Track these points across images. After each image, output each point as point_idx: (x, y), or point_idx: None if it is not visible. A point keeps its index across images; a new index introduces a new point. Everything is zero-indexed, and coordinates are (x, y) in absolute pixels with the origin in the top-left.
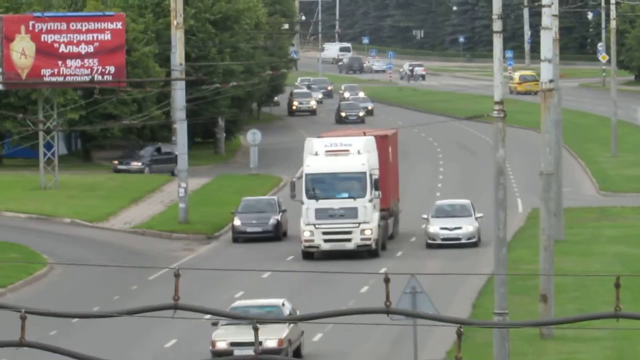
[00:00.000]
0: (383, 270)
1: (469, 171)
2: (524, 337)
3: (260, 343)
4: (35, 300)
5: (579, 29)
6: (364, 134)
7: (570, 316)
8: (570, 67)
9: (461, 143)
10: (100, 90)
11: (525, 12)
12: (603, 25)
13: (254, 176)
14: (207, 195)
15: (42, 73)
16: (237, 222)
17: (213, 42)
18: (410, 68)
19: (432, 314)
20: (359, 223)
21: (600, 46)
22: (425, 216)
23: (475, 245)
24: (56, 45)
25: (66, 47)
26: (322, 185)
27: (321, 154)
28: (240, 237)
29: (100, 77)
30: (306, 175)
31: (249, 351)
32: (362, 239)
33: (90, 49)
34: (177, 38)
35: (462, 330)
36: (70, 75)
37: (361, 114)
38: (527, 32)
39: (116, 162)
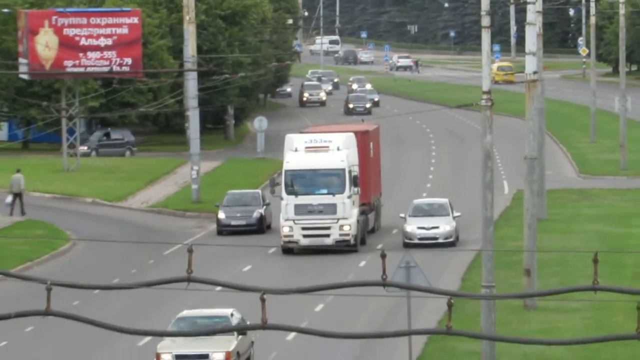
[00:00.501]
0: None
1: (458, 156)
2: (509, 308)
3: (207, 356)
4: (60, 273)
5: (561, 25)
6: (362, 120)
7: (551, 289)
8: (552, 60)
9: (452, 130)
10: (118, 80)
11: (512, 9)
12: (583, 21)
13: (260, 160)
14: (217, 177)
15: (64, 64)
16: (221, 215)
17: (223, 35)
18: (411, 61)
19: (424, 287)
20: (338, 219)
21: (581, 40)
22: (402, 215)
23: (452, 245)
24: (77, 38)
25: (86, 40)
26: (302, 181)
27: (301, 150)
28: (225, 230)
29: (118, 68)
30: (286, 171)
31: None
32: (340, 235)
33: (109, 42)
34: (189, 32)
35: (452, 301)
36: (91, 66)
37: (368, 105)
38: (513, 27)
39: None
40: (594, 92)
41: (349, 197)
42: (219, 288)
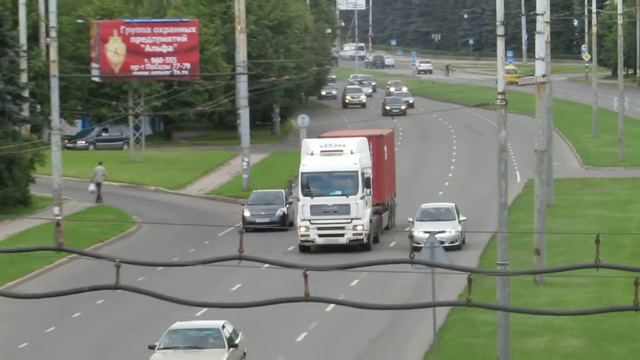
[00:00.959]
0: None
1: (476, 149)
2: (521, 283)
3: None
4: (127, 252)
5: (566, 34)
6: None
7: (558, 266)
8: (559, 65)
9: (471, 126)
10: (178, 82)
11: (523, 20)
12: (586, 30)
13: None
14: (265, 167)
15: (131, 68)
16: (246, 213)
17: (270, 43)
18: (431, 66)
19: (447, 264)
20: (351, 219)
21: (584, 47)
22: (410, 219)
23: (458, 248)
24: (142, 45)
25: (150, 47)
26: (317, 183)
27: (316, 154)
28: (250, 227)
29: (178, 72)
30: (302, 174)
31: None
32: (354, 234)
33: (170, 48)
34: (241, 40)
35: (471, 277)
36: (154, 70)
37: (403, 107)
38: (524, 36)
39: (66, 141)
40: (596, 93)
41: (362, 198)
42: (266, 265)
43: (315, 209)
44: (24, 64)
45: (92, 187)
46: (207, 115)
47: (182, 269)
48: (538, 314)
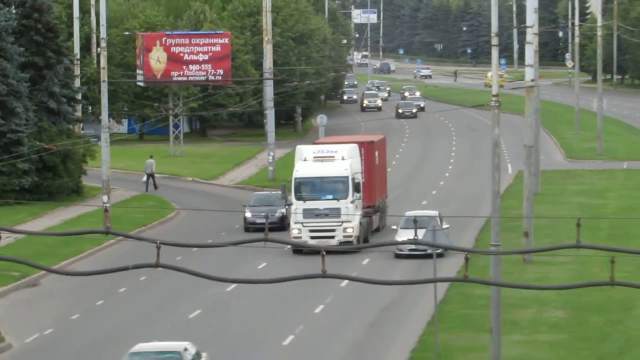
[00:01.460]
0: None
1: (473, 144)
2: (512, 262)
3: None
4: (166, 235)
5: (552, 43)
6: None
7: (544, 247)
8: (546, 71)
9: (468, 124)
10: (212, 86)
11: (515, 32)
12: (569, 40)
13: None
14: (288, 161)
15: (171, 74)
16: (248, 214)
17: (293, 52)
18: (429, 71)
19: (447, 245)
20: (342, 222)
21: (568, 55)
22: (394, 227)
23: (440, 256)
24: (181, 54)
25: (188, 56)
26: (309, 188)
27: (309, 160)
28: (251, 228)
29: (212, 77)
30: (295, 179)
31: None
32: (344, 236)
33: (206, 57)
34: (267, 49)
35: (468, 256)
36: (191, 76)
37: (414, 110)
38: (516, 46)
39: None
40: (578, 95)
41: (352, 202)
42: (287, 247)
43: (307, 213)
44: (77, 71)
45: (144, 178)
46: (237, 115)
47: (215, 250)
48: (526, 288)
